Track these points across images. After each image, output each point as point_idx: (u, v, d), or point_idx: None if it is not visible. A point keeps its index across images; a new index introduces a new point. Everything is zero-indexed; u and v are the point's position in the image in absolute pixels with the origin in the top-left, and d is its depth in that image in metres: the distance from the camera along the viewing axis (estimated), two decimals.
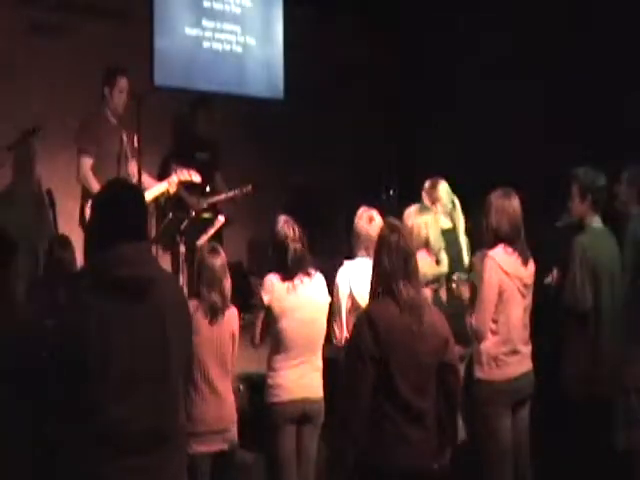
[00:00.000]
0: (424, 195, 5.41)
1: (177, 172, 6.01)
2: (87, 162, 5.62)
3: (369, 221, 4.56)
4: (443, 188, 5.40)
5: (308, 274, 4.29)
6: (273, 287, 4.23)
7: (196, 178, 6.09)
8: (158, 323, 2.81)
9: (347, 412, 3.35)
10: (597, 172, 4.70)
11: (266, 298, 4.22)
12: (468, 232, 5.46)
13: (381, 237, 3.50)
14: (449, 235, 5.23)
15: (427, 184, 5.44)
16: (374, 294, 3.48)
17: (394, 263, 3.38)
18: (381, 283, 3.42)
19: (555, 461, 4.67)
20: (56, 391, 2.81)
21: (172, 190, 5.96)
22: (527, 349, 4.34)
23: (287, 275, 4.25)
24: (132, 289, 2.76)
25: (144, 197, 3.06)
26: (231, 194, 6.72)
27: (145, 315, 2.79)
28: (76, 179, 5.68)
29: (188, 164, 6.36)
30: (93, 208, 3.04)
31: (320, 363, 4.32)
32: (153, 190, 5.80)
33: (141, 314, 2.78)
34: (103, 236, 2.86)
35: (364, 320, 3.38)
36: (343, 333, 4.35)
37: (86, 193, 5.65)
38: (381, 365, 3.30)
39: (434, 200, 5.37)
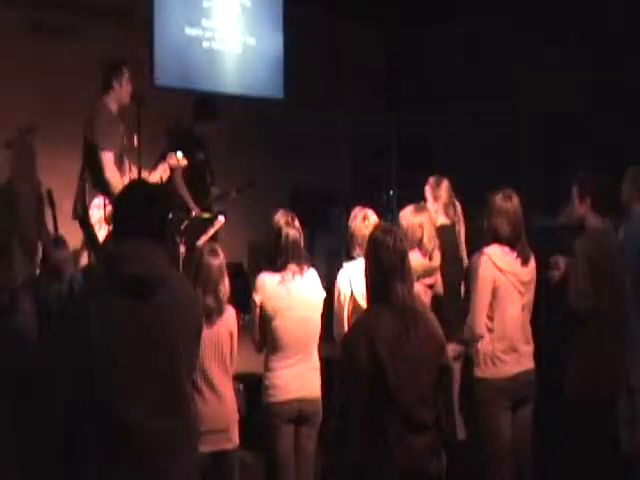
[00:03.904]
0: (427, 189, 5.41)
1: (167, 159, 6.04)
2: (111, 158, 5.60)
3: (363, 220, 4.56)
4: (446, 187, 5.41)
5: (301, 268, 4.25)
6: (265, 287, 4.20)
7: (183, 162, 6.11)
8: (165, 322, 2.80)
9: (343, 430, 3.35)
10: (597, 174, 4.71)
11: (257, 299, 4.20)
12: (467, 232, 5.46)
13: (374, 238, 3.48)
14: (446, 231, 5.23)
15: (431, 180, 5.45)
16: (369, 298, 3.47)
17: (391, 263, 3.37)
18: (376, 284, 3.41)
19: (556, 462, 4.67)
20: (63, 391, 2.81)
21: (164, 177, 5.97)
22: (527, 348, 4.31)
23: (280, 264, 4.20)
24: (138, 285, 2.75)
25: (163, 198, 3.06)
26: (232, 193, 6.81)
27: (151, 313, 2.78)
28: (105, 177, 5.61)
29: (189, 163, 6.38)
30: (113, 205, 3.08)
31: (317, 361, 4.30)
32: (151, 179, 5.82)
33: (147, 312, 2.77)
34: (117, 233, 2.91)
35: (359, 335, 3.35)
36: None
37: (82, 188, 5.64)
38: (379, 379, 3.27)
39: (436, 196, 5.37)
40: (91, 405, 2.74)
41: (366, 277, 3.50)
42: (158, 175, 5.92)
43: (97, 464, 2.74)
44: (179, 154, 6.04)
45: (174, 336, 2.80)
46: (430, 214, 4.99)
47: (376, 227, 3.69)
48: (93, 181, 5.66)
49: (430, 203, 5.34)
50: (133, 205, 2.90)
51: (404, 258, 3.41)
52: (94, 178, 5.65)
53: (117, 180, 5.55)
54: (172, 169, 6.10)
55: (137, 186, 3.26)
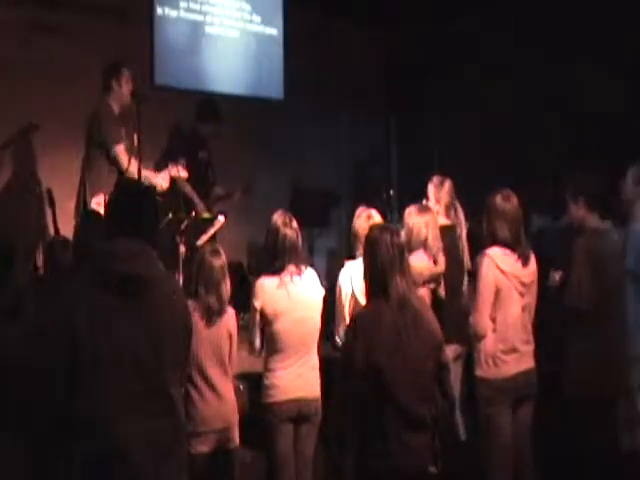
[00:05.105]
0: (430, 189, 5.38)
1: (169, 168, 6.09)
2: (123, 150, 5.66)
3: (367, 219, 4.58)
4: (448, 188, 5.39)
5: (299, 269, 4.25)
6: (264, 291, 4.19)
7: (183, 174, 6.17)
8: (151, 322, 2.79)
9: (342, 428, 3.35)
10: (588, 174, 4.72)
11: (257, 304, 4.19)
12: (469, 233, 5.45)
13: (371, 237, 3.49)
14: (448, 232, 5.22)
15: (435, 179, 5.43)
16: (368, 294, 3.48)
17: (390, 259, 3.38)
18: (375, 280, 3.41)
19: (556, 462, 4.67)
20: (50, 389, 2.81)
21: (165, 185, 6.00)
22: (527, 348, 4.33)
23: (278, 266, 4.20)
24: (125, 284, 2.75)
25: (153, 198, 3.06)
26: (232, 195, 6.84)
27: (137, 312, 2.77)
28: (124, 172, 5.67)
29: (190, 163, 6.41)
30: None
31: (316, 361, 4.31)
32: None
33: (133, 311, 2.76)
34: (107, 233, 2.92)
35: (356, 332, 3.35)
36: None
37: (83, 187, 5.67)
38: (377, 377, 3.28)
39: (438, 197, 5.35)
40: (73, 403, 2.74)
41: (365, 276, 3.50)
42: (159, 182, 5.94)
43: (81, 464, 2.74)
44: (182, 172, 6.10)
45: (160, 336, 2.79)
46: (434, 214, 4.99)
47: (372, 226, 3.72)
48: (93, 180, 5.69)
49: (432, 203, 5.32)
50: (124, 205, 2.91)
51: (402, 253, 3.43)
52: (94, 177, 5.68)
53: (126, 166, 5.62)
54: (172, 179, 6.14)
55: (129, 186, 3.29)
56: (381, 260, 3.40)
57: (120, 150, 5.68)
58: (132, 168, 5.62)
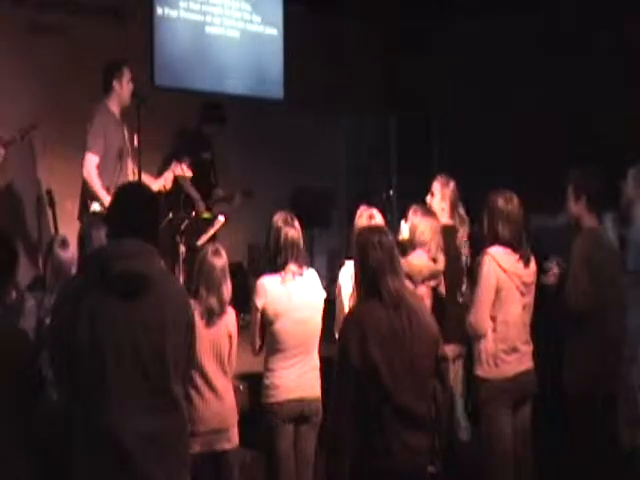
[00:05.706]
0: (436, 186, 5.37)
1: (173, 168, 6.08)
2: (94, 160, 5.61)
3: (369, 219, 4.58)
4: (453, 187, 5.39)
5: (301, 268, 4.25)
6: (265, 290, 4.18)
7: (188, 173, 6.17)
8: (152, 322, 2.78)
9: (338, 427, 3.34)
10: (591, 172, 4.71)
11: (259, 302, 4.18)
12: (470, 234, 5.45)
13: (361, 239, 3.49)
14: (449, 232, 5.22)
15: (441, 178, 5.42)
16: (359, 295, 3.48)
17: (380, 259, 3.38)
18: (367, 282, 3.41)
19: (557, 461, 4.68)
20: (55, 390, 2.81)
21: (168, 186, 6.00)
22: (527, 348, 4.34)
23: (279, 264, 4.19)
24: (126, 284, 2.75)
25: (154, 198, 3.07)
26: (233, 198, 6.85)
27: (139, 312, 2.77)
28: (82, 176, 5.65)
29: (192, 165, 6.42)
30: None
31: (317, 361, 4.30)
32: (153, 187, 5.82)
33: (134, 311, 2.76)
34: (109, 232, 2.95)
35: (351, 331, 3.35)
36: None
37: (86, 190, 5.66)
38: (374, 376, 3.27)
39: (444, 195, 5.33)
40: (77, 404, 2.74)
41: (356, 278, 3.50)
42: (161, 183, 5.93)
43: (84, 464, 2.74)
44: (187, 172, 6.09)
45: (162, 335, 2.78)
46: (438, 218, 5.00)
47: (361, 229, 3.73)
48: None
49: (437, 201, 5.31)
50: (125, 205, 2.93)
51: (393, 253, 3.42)
52: None
53: (93, 181, 5.57)
54: (177, 178, 6.14)
55: (130, 187, 3.33)
56: (372, 262, 3.39)
57: (89, 158, 5.60)
58: (92, 177, 5.56)
